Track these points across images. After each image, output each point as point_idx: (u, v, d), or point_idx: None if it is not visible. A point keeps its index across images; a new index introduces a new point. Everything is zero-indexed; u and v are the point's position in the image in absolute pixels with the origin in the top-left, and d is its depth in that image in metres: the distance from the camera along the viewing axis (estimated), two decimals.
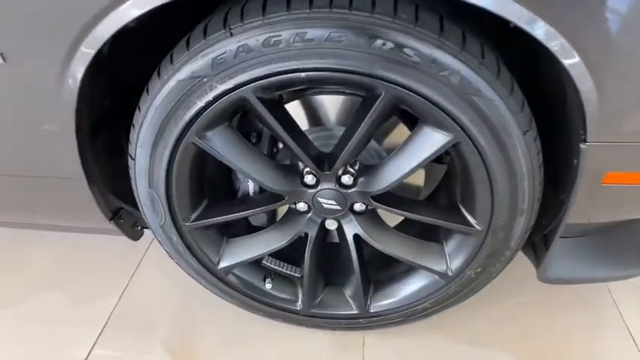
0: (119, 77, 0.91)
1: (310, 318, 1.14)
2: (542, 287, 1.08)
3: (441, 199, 1.09)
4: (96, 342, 1.21)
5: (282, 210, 1.08)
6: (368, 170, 0.93)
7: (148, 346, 1.19)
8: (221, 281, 1.09)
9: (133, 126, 0.88)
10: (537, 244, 1.01)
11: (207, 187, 1.00)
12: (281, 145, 1.03)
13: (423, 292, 1.04)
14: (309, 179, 0.94)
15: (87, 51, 0.73)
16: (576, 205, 0.87)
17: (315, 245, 1.03)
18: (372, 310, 1.10)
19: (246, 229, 1.11)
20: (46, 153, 0.89)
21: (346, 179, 0.93)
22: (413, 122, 1.00)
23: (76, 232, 1.32)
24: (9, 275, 1.39)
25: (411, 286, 1.06)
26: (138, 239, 1.22)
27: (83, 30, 0.71)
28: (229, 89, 0.77)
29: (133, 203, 1.13)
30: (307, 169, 0.94)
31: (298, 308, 1.12)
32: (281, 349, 1.17)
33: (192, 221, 0.98)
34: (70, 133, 0.85)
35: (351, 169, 0.93)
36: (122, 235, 1.17)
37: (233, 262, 1.06)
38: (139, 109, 0.86)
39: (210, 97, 0.78)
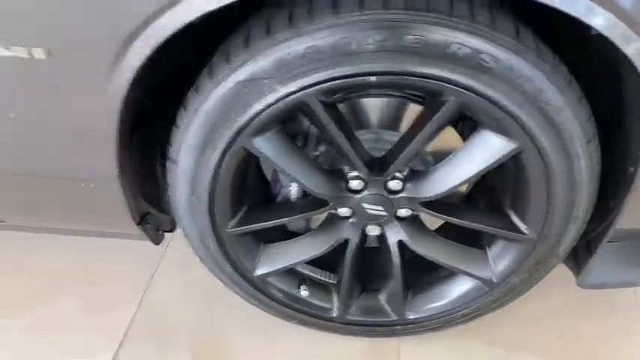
0: (164, 75, 0.86)
1: (345, 325, 1.11)
2: (569, 289, 1.09)
3: (479, 203, 1.08)
4: (116, 354, 1.14)
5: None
6: (417, 175, 0.91)
7: (173, 358, 1.14)
8: (256, 289, 1.05)
9: (177, 127, 0.83)
10: (579, 250, 1.01)
11: (247, 192, 0.96)
12: (322, 149, 0.99)
13: (465, 298, 1.03)
14: (356, 184, 0.91)
15: (142, 49, 0.68)
16: (627, 210, 0.87)
17: (356, 251, 1.00)
18: (410, 317, 1.08)
19: (282, 234, 1.07)
20: (82, 154, 0.83)
21: (394, 184, 0.90)
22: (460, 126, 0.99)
23: (89, 236, 1.25)
24: (16, 280, 1.31)
25: (452, 293, 1.04)
26: (159, 243, 1.17)
27: (140, 27, 0.65)
28: (291, 92, 0.73)
29: (158, 206, 1.09)
30: (353, 173, 0.90)
31: (333, 315, 1.09)
32: (313, 356, 1.13)
33: (233, 228, 0.93)
34: (111, 134, 0.79)
35: (399, 174, 0.90)
36: (144, 240, 1.12)
37: (270, 270, 1.02)
38: (186, 109, 0.81)
39: (269, 100, 0.74)
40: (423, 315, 1.08)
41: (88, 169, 0.86)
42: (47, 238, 1.34)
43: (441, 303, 1.06)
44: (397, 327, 1.10)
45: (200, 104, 0.78)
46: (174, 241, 1.32)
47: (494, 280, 0.98)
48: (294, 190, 0.99)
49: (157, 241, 1.14)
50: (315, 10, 0.69)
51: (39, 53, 0.66)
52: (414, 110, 0.98)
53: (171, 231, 1.21)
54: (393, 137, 0.99)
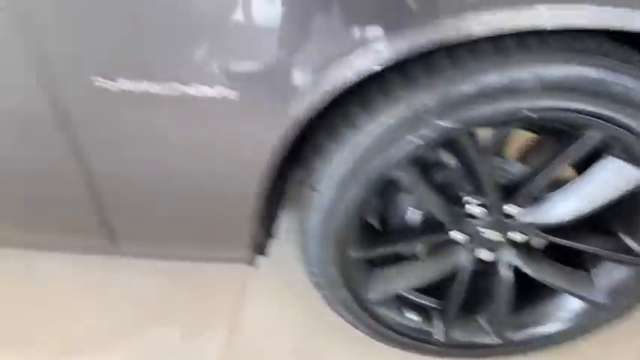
0: None
1: (447, 349, 1.14)
2: None
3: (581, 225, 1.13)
4: None
5: None
6: (537, 202, 0.95)
7: None
8: (367, 313, 1.08)
9: (322, 156, 0.86)
10: None
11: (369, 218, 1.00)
12: (441, 175, 1.04)
13: (569, 319, 1.07)
14: (476, 210, 0.95)
15: (327, 89, 0.72)
16: None
17: (466, 276, 1.04)
18: (512, 338, 1.11)
19: (390, 258, 1.10)
20: (232, 183, 0.86)
21: (513, 211, 0.94)
22: None
23: (164, 260, 1.27)
24: (104, 310, 1.30)
25: (555, 314, 1.08)
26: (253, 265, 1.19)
27: (321, 70, 0.70)
28: (450, 127, 0.77)
29: (268, 231, 1.11)
30: (474, 200, 0.95)
31: (436, 339, 1.12)
32: None
33: (358, 253, 0.97)
34: (264, 166, 0.83)
35: (519, 201, 0.95)
36: (238, 263, 1.14)
37: (384, 293, 1.05)
38: (334, 140, 0.84)
39: (425, 133, 0.78)
40: (526, 336, 1.11)
41: (233, 196, 0.89)
42: (123, 264, 1.37)
43: (543, 324, 1.10)
44: (499, 348, 1.13)
45: (352, 136, 0.82)
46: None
47: (602, 302, 1.03)
48: (412, 216, 1.03)
49: (253, 263, 1.17)
50: (479, 51, 0.74)
51: (232, 94, 0.71)
52: (521, 137, 1.05)
53: (263, 254, 1.24)
54: (503, 164, 1.05)
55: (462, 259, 1.02)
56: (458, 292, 1.05)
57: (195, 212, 0.93)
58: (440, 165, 0.99)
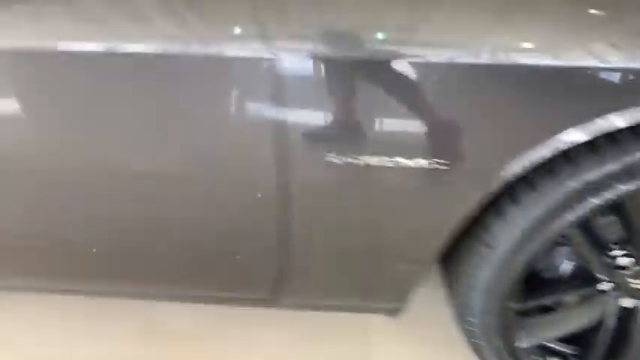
0: None
1: None
2: None
3: None
4: None
5: None
6: None
7: None
8: None
9: (501, 217, 0.94)
10: None
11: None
12: None
13: None
14: (625, 261, 1.03)
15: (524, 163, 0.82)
16: None
17: (611, 324, 1.10)
18: None
19: (535, 308, 1.16)
20: (416, 242, 0.94)
21: None
22: None
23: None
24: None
25: None
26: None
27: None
28: (630, 189, 0.86)
29: None
30: (622, 252, 1.03)
31: None
32: None
33: (517, 305, 1.04)
34: (452, 227, 0.91)
35: None
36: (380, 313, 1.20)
37: (534, 342, 1.11)
38: (515, 202, 0.92)
39: (607, 196, 0.87)
40: None
41: (412, 254, 0.96)
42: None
43: None
44: None
45: (534, 198, 0.90)
46: None
47: None
48: (564, 267, 1.10)
49: (397, 314, 1.23)
50: None
51: (442, 165, 0.81)
52: None
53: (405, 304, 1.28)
54: None
55: (608, 308, 1.09)
56: (603, 339, 1.11)
57: (372, 269, 1.00)
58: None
